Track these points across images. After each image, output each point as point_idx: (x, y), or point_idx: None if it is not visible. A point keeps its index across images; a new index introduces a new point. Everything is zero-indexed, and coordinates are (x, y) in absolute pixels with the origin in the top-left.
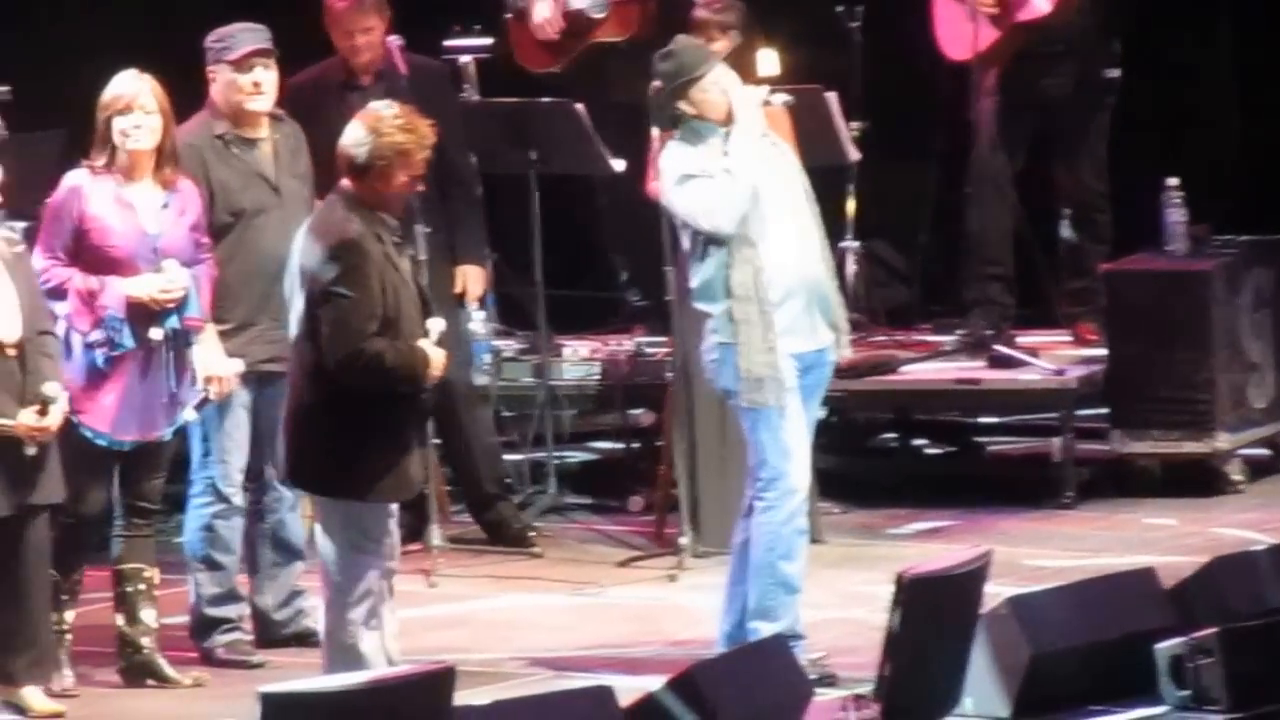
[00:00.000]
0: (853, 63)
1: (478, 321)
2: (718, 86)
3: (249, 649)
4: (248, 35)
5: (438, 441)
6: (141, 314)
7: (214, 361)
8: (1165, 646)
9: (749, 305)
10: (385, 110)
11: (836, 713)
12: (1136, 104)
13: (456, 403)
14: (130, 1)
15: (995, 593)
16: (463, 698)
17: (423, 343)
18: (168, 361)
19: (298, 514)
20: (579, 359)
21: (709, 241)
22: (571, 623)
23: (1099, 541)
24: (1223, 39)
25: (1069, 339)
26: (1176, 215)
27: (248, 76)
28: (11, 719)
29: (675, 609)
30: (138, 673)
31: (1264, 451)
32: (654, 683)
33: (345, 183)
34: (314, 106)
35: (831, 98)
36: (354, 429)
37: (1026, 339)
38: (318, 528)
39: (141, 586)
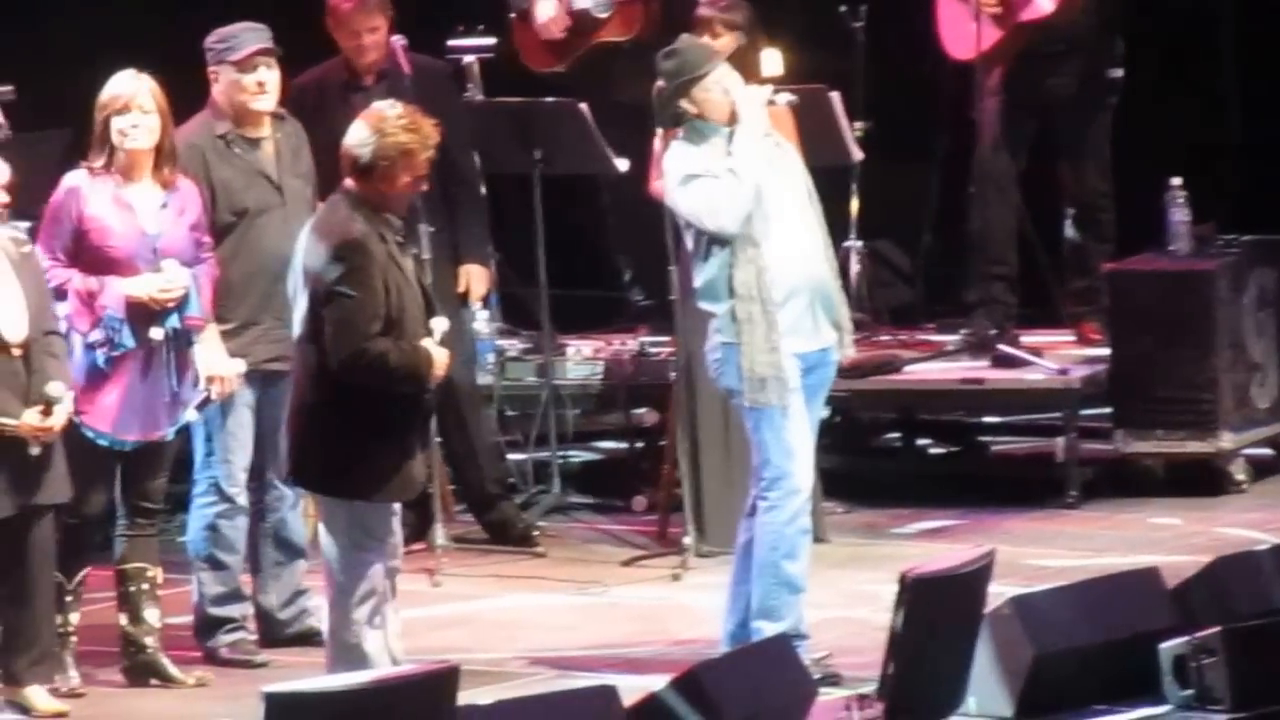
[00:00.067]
0: (856, 63)
1: (481, 321)
2: (719, 86)
3: (253, 648)
4: (250, 35)
5: (439, 440)
6: (141, 314)
7: (216, 361)
8: (1169, 646)
9: (752, 305)
10: (389, 110)
11: (840, 712)
12: (1139, 103)
13: (459, 402)
14: (134, 1)
15: (998, 592)
16: (466, 697)
17: (426, 342)
18: (169, 361)
19: (299, 513)
20: (582, 359)
21: (712, 241)
22: (575, 622)
23: (1102, 541)
24: (1226, 38)
25: (1072, 339)
26: (1180, 215)
27: (251, 76)
28: (16, 719)
29: (679, 609)
30: (141, 672)
31: (1267, 451)
32: (657, 682)
33: (349, 182)
34: (317, 107)
35: (835, 98)
36: (357, 428)
37: (1030, 339)
38: (321, 527)
39: (145, 586)
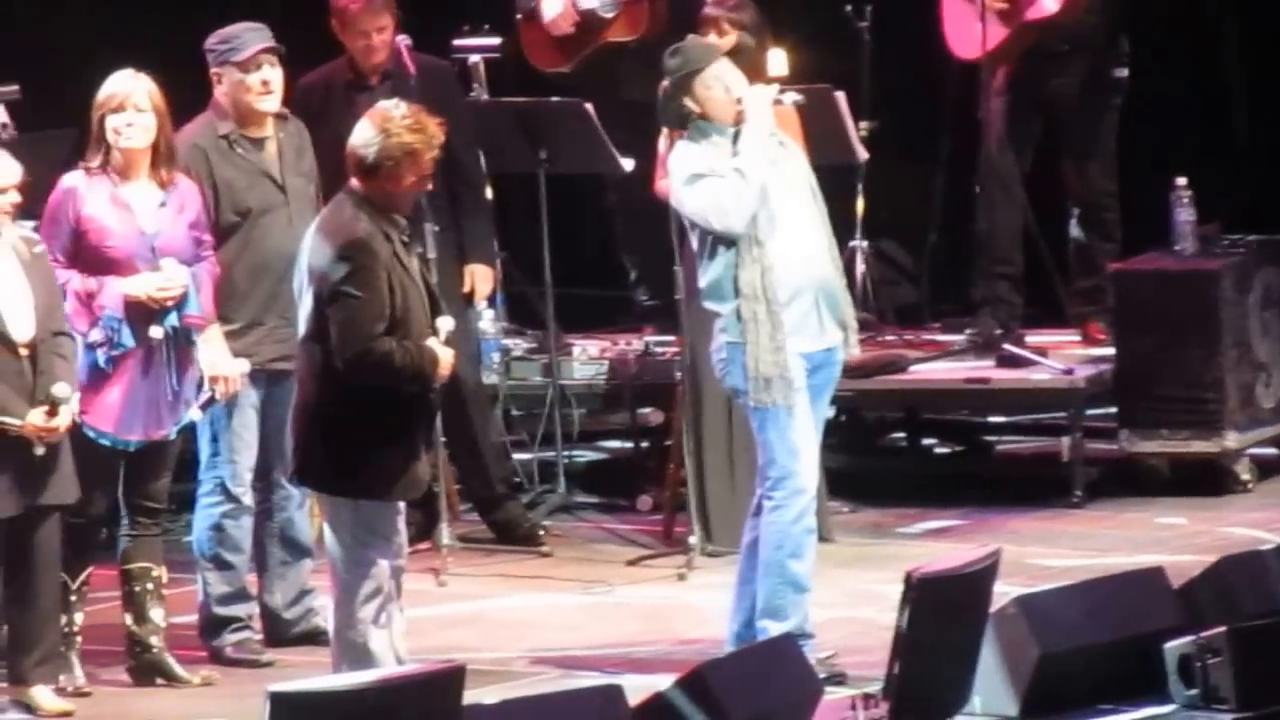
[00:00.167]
0: (861, 62)
1: (487, 320)
2: (721, 84)
3: (258, 648)
4: (252, 35)
5: (444, 440)
6: (141, 313)
7: (220, 361)
8: (1174, 646)
9: (757, 304)
10: (394, 110)
11: (845, 711)
12: (1144, 103)
13: (464, 402)
14: (139, 1)
15: (1004, 592)
16: (472, 696)
17: (431, 342)
18: (169, 360)
19: (305, 512)
20: (588, 358)
21: (717, 241)
22: (580, 622)
23: (1107, 541)
24: (1231, 37)
25: (1078, 338)
26: (1185, 214)
27: (255, 76)
28: (21, 718)
29: (684, 608)
30: (147, 672)
31: (1272, 451)
32: (663, 681)
33: (354, 182)
34: (322, 107)
35: (840, 97)
36: (362, 428)
37: (1035, 338)
38: (326, 526)
39: (149, 586)
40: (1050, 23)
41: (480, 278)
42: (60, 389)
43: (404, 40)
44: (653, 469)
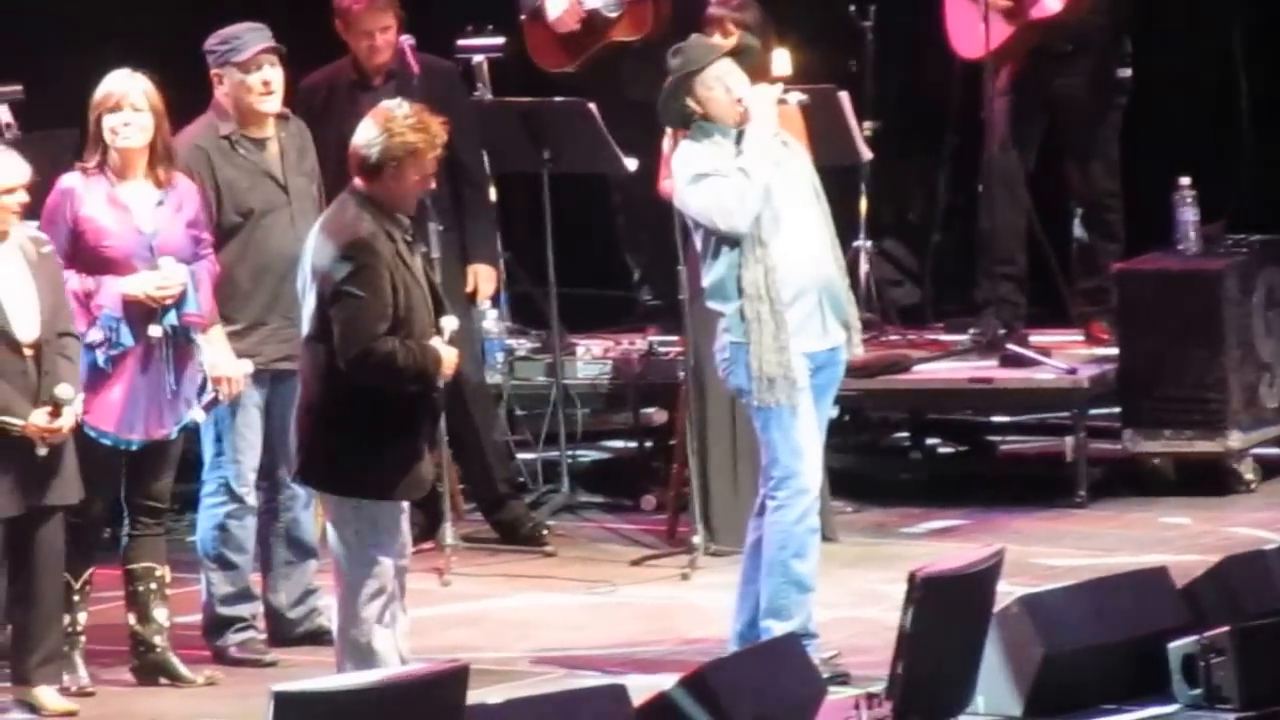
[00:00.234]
0: (865, 62)
1: (491, 320)
2: (721, 84)
3: (262, 648)
4: (253, 35)
5: (447, 440)
6: (139, 312)
7: (223, 363)
8: (1177, 645)
9: (761, 304)
10: (397, 109)
11: (849, 711)
12: (1148, 103)
13: (467, 402)
14: (144, 1)
15: (1007, 592)
16: (476, 696)
17: (435, 341)
18: (168, 358)
19: (311, 512)
20: (592, 358)
21: (721, 241)
22: (584, 621)
23: (1111, 540)
24: (1236, 36)
25: (1081, 338)
26: (1189, 214)
27: (257, 76)
28: (26, 718)
29: (688, 608)
30: (151, 671)
31: (1276, 451)
32: (666, 681)
33: (357, 182)
34: (326, 107)
35: (844, 97)
36: (365, 428)
37: (1039, 338)
38: (330, 526)
39: (153, 586)
40: (1054, 22)
41: (483, 278)
42: (63, 390)
43: (408, 40)
44: (656, 469)
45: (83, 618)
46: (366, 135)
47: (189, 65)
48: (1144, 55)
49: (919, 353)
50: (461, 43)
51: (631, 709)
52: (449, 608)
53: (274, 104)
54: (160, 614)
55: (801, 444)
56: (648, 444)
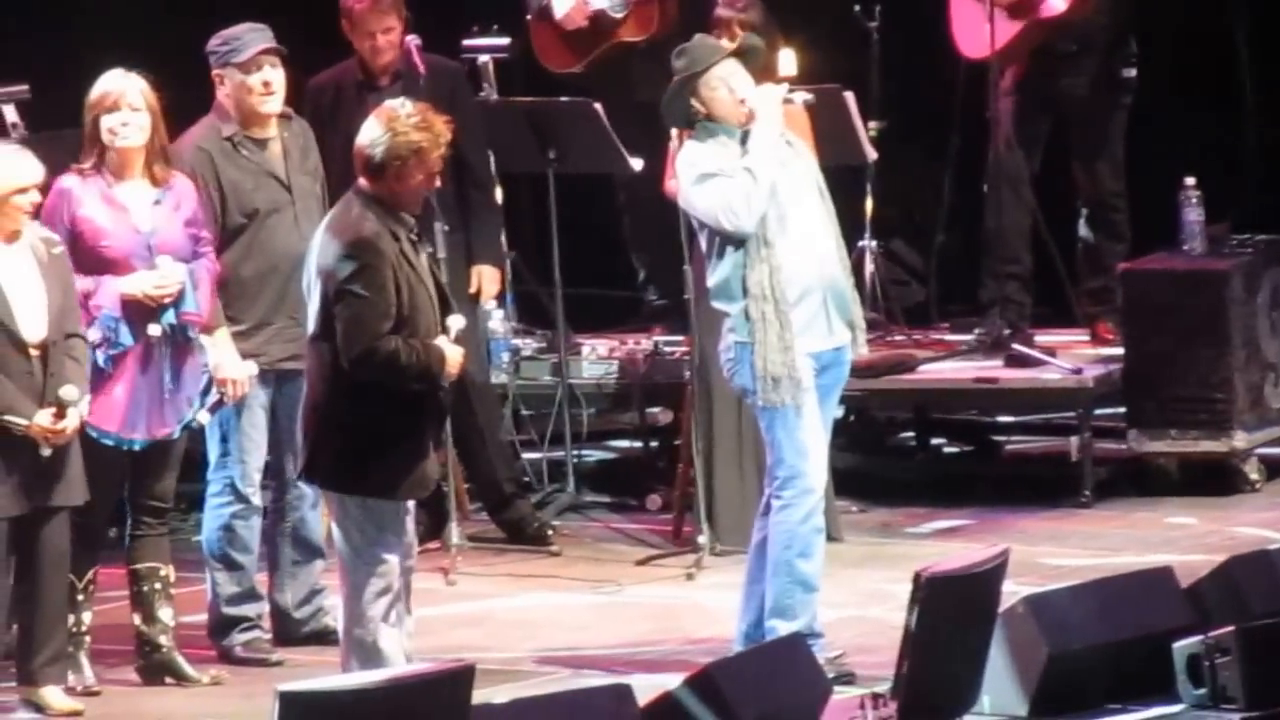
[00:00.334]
0: (870, 62)
1: (497, 320)
2: (725, 85)
3: (267, 647)
4: (254, 36)
5: (453, 439)
6: (138, 311)
7: (227, 364)
8: (1183, 645)
9: (766, 304)
10: (401, 109)
11: (854, 711)
12: (1153, 103)
13: (473, 401)
14: (148, 1)
15: (1013, 591)
16: (481, 696)
17: (440, 340)
18: (168, 357)
19: (318, 512)
20: (597, 358)
21: (726, 241)
22: (590, 621)
23: (1116, 540)
24: (1241, 36)
25: (1087, 338)
26: (1194, 214)
27: (257, 76)
28: (32, 718)
29: (693, 607)
30: (156, 671)
31: None
32: (672, 681)
33: (362, 181)
34: (332, 108)
35: (849, 97)
36: (370, 427)
37: (1044, 338)
38: (335, 525)
39: (158, 585)
40: (1059, 22)
41: (487, 278)
42: (68, 391)
43: (413, 40)
44: (662, 469)
45: (88, 617)
46: (371, 135)
47: (191, 66)
48: (1148, 55)
49: (924, 353)
50: (467, 43)
51: (637, 709)
52: (454, 607)
53: (275, 104)
54: (165, 613)
55: (807, 444)
56: (653, 444)
